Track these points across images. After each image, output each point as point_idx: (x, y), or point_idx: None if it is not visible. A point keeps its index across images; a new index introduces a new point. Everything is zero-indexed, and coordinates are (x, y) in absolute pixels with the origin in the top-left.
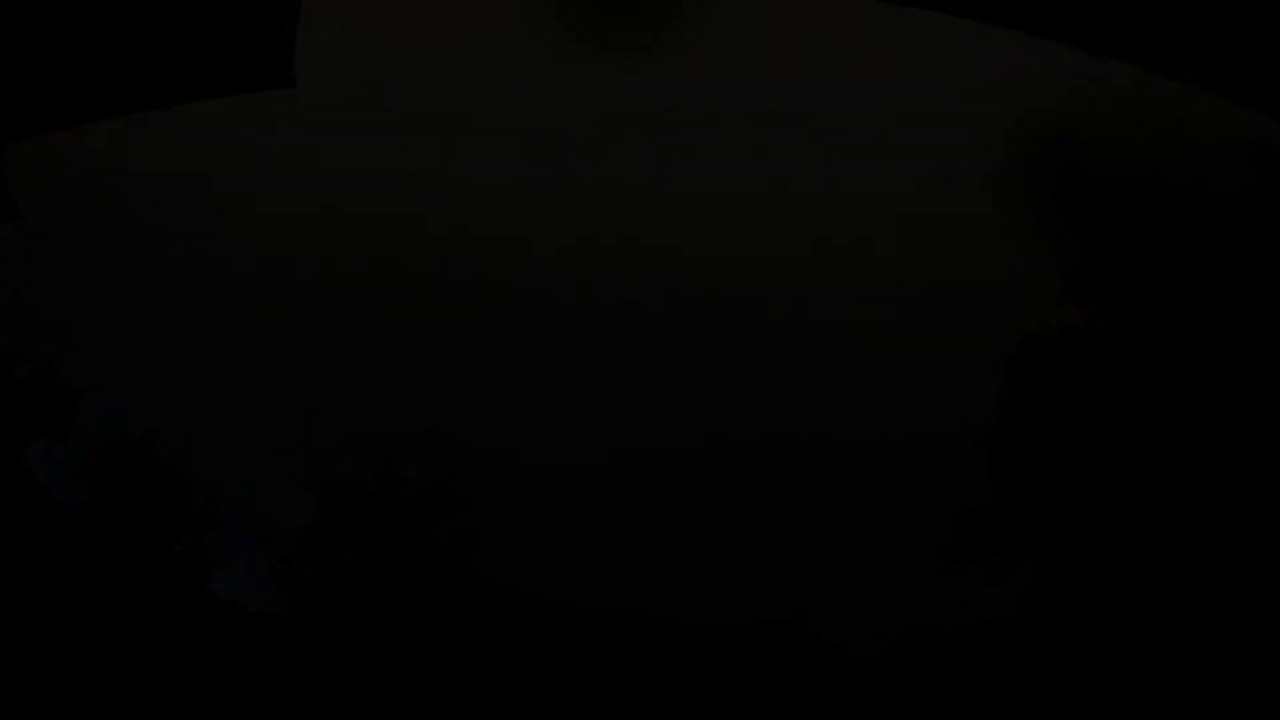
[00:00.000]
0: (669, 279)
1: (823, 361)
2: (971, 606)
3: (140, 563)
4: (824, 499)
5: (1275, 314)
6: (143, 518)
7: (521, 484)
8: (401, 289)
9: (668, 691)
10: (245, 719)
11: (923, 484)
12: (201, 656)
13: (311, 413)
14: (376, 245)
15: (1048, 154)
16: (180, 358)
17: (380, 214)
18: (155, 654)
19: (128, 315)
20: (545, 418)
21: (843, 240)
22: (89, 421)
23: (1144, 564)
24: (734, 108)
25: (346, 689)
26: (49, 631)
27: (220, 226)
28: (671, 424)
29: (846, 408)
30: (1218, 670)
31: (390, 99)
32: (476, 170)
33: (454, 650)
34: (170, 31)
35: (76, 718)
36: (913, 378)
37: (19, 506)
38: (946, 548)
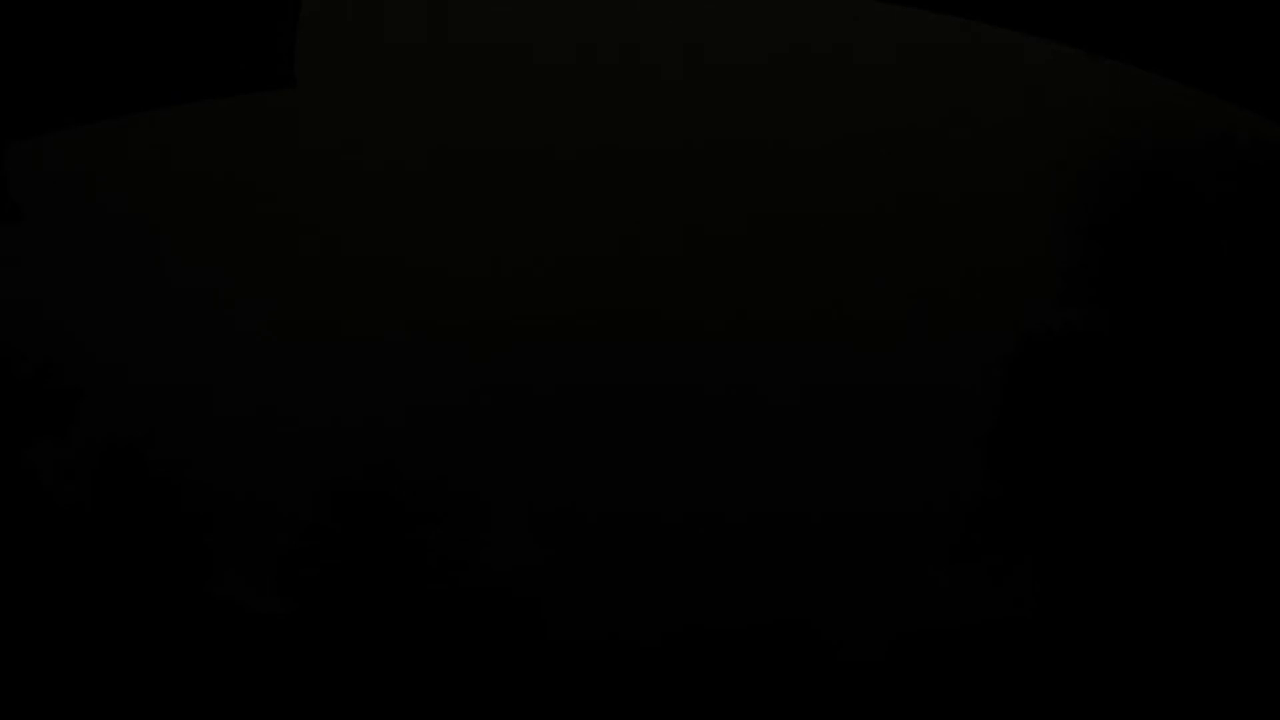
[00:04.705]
0: (657, 287)
1: (820, 361)
2: (971, 606)
3: (140, 563)
4: (823, 499)
5: (1275, 314)
6: (142, 518)
7: (521, 482)
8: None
9: (668, 691)
10: (245, 719)
11: (923, 484)
12: (201, 656)
13: (312, 413)
14: (378, 247)
15: (1047, 154)
16: (180, 357)
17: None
18: (155, 654)
19: (128, 315)
20: (546, 415)
21: (842, 238)
22: (89, 421)
23: (1144, 563)
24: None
25: (346, 689)
26: (49, 631)
27: (219, 226)
28: (667, 423)
29: (845, 407)
30: (1218, 670)
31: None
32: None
33: (454, 650)
34: (170, 31)
35: (76, 718)
36: (912, 377)
37: (19, 506)
38: (946, 548)
